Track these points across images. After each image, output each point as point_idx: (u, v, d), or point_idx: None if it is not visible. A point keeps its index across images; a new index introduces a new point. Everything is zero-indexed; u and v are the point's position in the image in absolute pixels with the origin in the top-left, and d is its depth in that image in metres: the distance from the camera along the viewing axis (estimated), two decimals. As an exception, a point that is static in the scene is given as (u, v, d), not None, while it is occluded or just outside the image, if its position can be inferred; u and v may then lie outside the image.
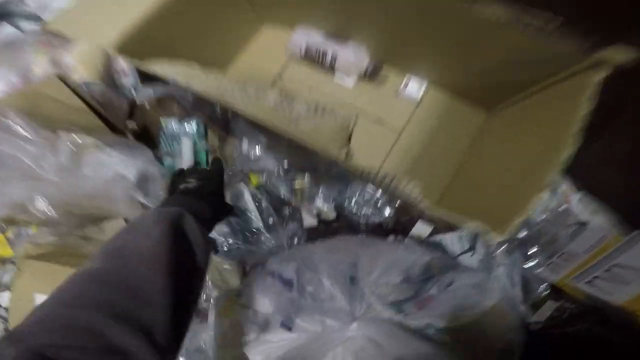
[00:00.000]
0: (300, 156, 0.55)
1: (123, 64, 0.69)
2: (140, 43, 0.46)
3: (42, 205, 0.49)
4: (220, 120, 0.71)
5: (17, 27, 0.65)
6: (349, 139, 0.31)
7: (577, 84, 0.37)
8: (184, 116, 0.71)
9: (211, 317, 0.52)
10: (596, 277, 0.43)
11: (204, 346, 0.52)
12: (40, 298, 0.52)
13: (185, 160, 0.66)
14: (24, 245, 0.54)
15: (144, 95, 0.71)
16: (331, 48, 0.57)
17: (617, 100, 0.38)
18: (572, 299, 0.51)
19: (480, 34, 0.42)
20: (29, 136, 0.46)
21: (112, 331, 0.21)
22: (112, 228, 0.55)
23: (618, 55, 0.33)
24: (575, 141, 0.33)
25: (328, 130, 0.32)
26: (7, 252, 0.56)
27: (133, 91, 0.72)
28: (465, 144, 0.57)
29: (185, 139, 0.68)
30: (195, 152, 0.70)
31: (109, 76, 0.67)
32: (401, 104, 0.59)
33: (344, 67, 0.57)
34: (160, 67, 0.39)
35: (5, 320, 0.62)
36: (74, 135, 0.48)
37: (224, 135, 0.71)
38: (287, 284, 0.48)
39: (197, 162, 0.67)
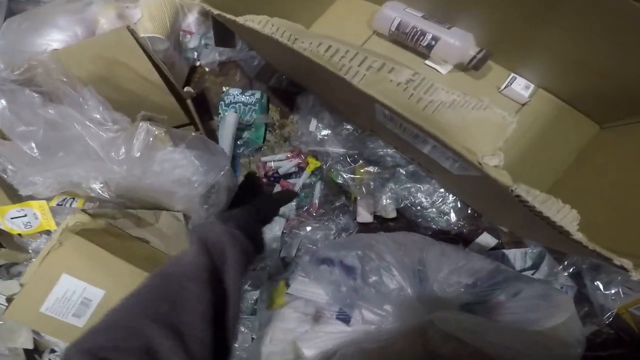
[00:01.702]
0: (403, 148, 0.51)
1: (191, 22, 0.65)
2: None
3: (97, 186, 0.48)
4: (284, 93, 0.66)
5: None
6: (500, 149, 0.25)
7: None
8: (246, 86, 0.67)
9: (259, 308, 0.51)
10: None
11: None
12: (66, 281, 0.48)
13: (225, 141, 0.62)
14: (69, 217, 0.50)
15: (208, 58, 0.67)
16: (432, 29, 0.51)
17: None
18: (617, 326, 0.53)
19: (614, 36, 0.35)
20: (101, 120, 0.42)
21: (153, 333, 0.25)
22: (166, 219, 0.52)
23: None
24: None
25: (479, 127, 0.25)
26: (51, 225, 0.54)
27: (195, 54, 0.68)
28: (572, 157, 0.50)
29: (230, 114, 0.63)
30: (255, 126, 0.65)
31: (175, 34, 0.64)
32: (502, 102, 0.52)
33: (444, 52, 0.51)
34: (254, 21, 0.33)
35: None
36: (151, 126, 0.43)
37: (285, 111, 0.66)
38: (350, 272, 0.45)
39: (246, 141, 0.65)
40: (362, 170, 0.58)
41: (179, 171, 0.45)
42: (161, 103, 0.53)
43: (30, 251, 0.60)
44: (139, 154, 0.42)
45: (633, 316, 0.52)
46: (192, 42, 0.67)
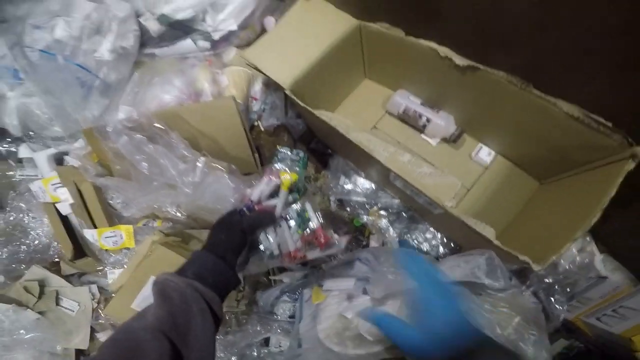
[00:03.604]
0: (404, 199, 0.74)
1: (257, 91, 0.93)
2: (298, 84, 0.69)
3: (173, 209, 0.71)
4: (320, 154, 0.94)
5: (194, 42, 0.87)
6: (458, 197, 0.50)
7: (613, 170, 0.54)
8: (291, 146, 0.94)
9: (303, 306, 0.71)
10: (605, 314, 0.62)
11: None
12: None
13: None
14: (154, 233, 0.72)
15: (266, 121, 0.94)
16: (427, 113, 0.78)
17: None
18: (581, 335, 0.68)
19: (547, 122, 0.59)
20: (185, 154, 0.64)
21: (146, 340, 0.34)
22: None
23: None
24: (601, 211, 0.50)
25: (443, 187, 0.51)
26: (131, 244, 0.74)
27: (255, 115, 0.95)
28: (519, 206, 0.75)
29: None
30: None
31: (247, 98, 0.91)
32: (473, 166, 0.79)
33: (433, 129, 0.78)
34: (325, 115, 0.61)
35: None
36: (207, 159, 0.66)
37: (319, 168, 0.94)
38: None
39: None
40: (376, 214, 0.83)
41: (221, 191, 0.64)
42: (240, 155, 0.78)
43: (106, 263, 0.78)
44: (199, 179, 0.64)
45: (585, 323, 0.68)
46: (255, 106, 0.93)
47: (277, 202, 0.56)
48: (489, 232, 0.50)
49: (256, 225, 0.53)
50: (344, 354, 0.58)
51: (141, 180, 0.62)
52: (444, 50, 0.61)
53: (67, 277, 0.81)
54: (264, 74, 0.70)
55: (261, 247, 0.56)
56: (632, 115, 0.51)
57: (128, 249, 0.76)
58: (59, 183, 0.78)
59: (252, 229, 0.52)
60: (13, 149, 0.88)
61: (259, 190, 0.57)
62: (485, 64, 0.59)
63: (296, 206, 0.57)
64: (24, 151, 0.86)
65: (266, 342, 0.81)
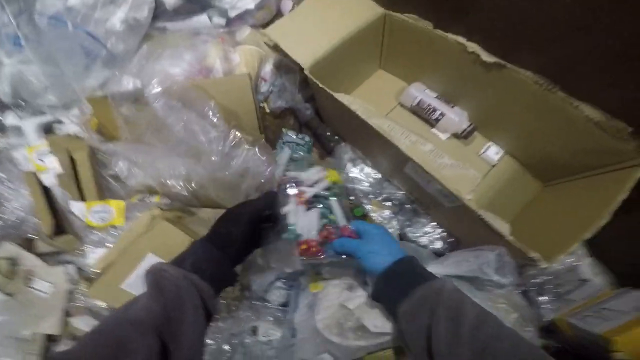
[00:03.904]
0: (412, 190, 0.75)
1: (267, 72, 0.91)
2: (317, 66, 0.69)
3: (180, 182, 0.69)
4: (325, 140, 0.93)
5: (210, 19, 0.85)
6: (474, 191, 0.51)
7: (623, 175, 0.55)
8: (297, 130, 0.92)
9: (299, 295, 0.70)
10: (587, 315, 0.64)
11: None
12: (150, 259, 0.61)
13: (280, 165, 0.85)
14: (151, 209, 0.68)
15: (273, 103, 0.92)
16: (441, 107, 0.79)
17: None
18: (560, 335, 0.71)
19: (566, 125, 0.60)
20: (217, 124, 0.64)
21: (134, 336, 0.32)
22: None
23: None
24: (607, 218, 0.52)
25: (464, 180, 0.52)
26: (120, 221, 0.70)
27: (262, 97, 0.93)
28: (521, 205, 0.77)
29: (285, 149, 0.88)
30: (300, 162, 0.89)
31: (257, 78, 0.89)
32: (480, 163, 0.80)
33: (446, 124, 0.79)
34: (345, 99, 0.60)
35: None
36: (237, 133, 0.65)
37: (324, 154, 0.92)
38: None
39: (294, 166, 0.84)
40: (378, 204, 0.83)
41: (247, 165, 0.64)
42: (250, 125, 0.77)
43: (87, 242, 0.73)
44: (228, 149, 0.64)
45: (567, 323, 0.70)
46: (263, 87, 0.92)
47: (312, 190, 0.59)
48: (504, 228, 0.51)
49: (266, 210, 0.53)
50: (345, 345, 0.57)
51: (163, 146, 0.61)
52: (471, 46, 0.61)
53: (42, 256, 0.75)
54: (284, 53, 0.68)
55: (288, 223, 0.55)
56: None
57: (115, 227, 0.71)
58: (47, 152, 0.74)
59: (261, 216, 0.52)
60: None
61: (310, 174, 0.61)
62: (511, 62, 0.60)
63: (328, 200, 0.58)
64: (10, 119, 0.83)
65: (253, 331, 0.79)
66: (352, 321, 0.58)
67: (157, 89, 0.64)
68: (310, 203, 0.57)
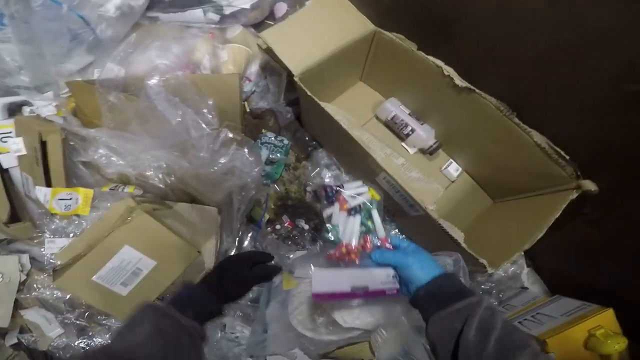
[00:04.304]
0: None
1: (252, 72, 0.94)
2: (306, 74, 0.73)
3: (159, 174, 0.68)
4: (303, 144, 0.98)
5: (205, 13, 0.86)
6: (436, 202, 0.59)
7: (559, 197, 0.65)
8: (275, 131, 0.96)
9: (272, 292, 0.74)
10: (526, 319, 0.74)
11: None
12: (125, 252, 0.60)
13: None
14: (126, 200, 0.65)
15: (255, 103, 0.95)
16: (412, 123, 0.86)
17: (569, 213, 0.66)
18: None
19: (517, 149, 0.69)
20: (211, 121, 0.65)
21: None
22: (198, 211, 0.71)
23: (590, 185, 0.61)
24: (547, 227, 0.63)
25: (428, 192, 0.59)
26: (85, 211, 0.68)
27: (244, 96, 0.96)
28: (474, 218, 0.88)
29: (263, 149, 0.92)
30: (277, 164, 0.94)
31: (242, 77, 0.92)
32: (441, 178, 0.89)
33: (415, 139, 0.87)
34: (330, 109, 0.65)
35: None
36: (229, 132, 0.67)
37: (301, 158, 0.98)
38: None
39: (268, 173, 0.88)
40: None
41: (234, 164, 0.66)
42: (233, 123, 0.76)
43: (45, 230, 0.70)
44: (217, 147, 0.65)
45: None
46: (247, 87, 0.95)
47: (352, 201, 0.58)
48: (459, 236, 0.59)
49: (264, 278, 0.56)
50: (317, 339, 0.61)
51: (149, 138, 0.61)
52: (448, 69, 0.69)
53: None
54: (277, 58, 0.72)
55: (332, 223, 0.57)
56: (586, 155, 0.63)
57: (79, 216, 0.69)
58: (9, 133, 0.71)
59: (259, 280, 0.55)
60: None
61: (352, 187, 0.60)
62: (480, 88, 0.68)
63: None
64: None
65: (223, 327, 0.81)
66: (324, 317, 0.62)
67: (155, 81, 0.64)
68: (351, 212, 0.57)
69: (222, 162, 0.65)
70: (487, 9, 0.62)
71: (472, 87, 0.69)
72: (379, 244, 0.55)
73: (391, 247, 0.54)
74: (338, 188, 0.58)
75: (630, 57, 0.49)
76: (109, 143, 0.67)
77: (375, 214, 0.58)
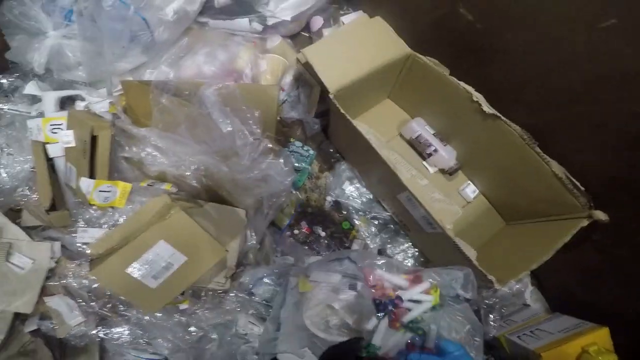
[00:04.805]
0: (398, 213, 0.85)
1: (286, 82, 1.01)
2: (340, 93, 0.79)
3: (195, 174, 0.72)
4: (326, 156, 1.04)
5: (250, 22, 0.92)
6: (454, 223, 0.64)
7: (569, 224, 0.70)
8: (302, 141, 1.02)
9: (287, 293, 0.77)
10: (524, 334, 0.77)
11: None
12: (160, 246, 0.63)
13: None
14: (163, 197, 0.68)
15: (286, 112, 1.01)
16: (436, 144, 0.92)
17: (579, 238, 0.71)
18: (499, 350, 0.84)
19: (535, 176, 0.74)
20: (255, 132, 0.70)
21: None
22: (227, 212, 0.75)
23: (601, 215, 0.66)
24: (550, 255, 0.67)
25: (447, 213, 0.64)
26: (121, 203, 0.70)
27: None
28: (487, 238, 0.92)
29: (290, 158, 0.94)
30: (301, 172, 0.99)
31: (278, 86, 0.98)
32: (458, 198, 0.94)
33: (436, 159, 0.92)
34: (362, 127, 0.71)
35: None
36: (269, 143, 0.71)
37: (324, 169, 1.04)
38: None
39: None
40: (366, 221, 0.96)
41: (270, 172, 0.71)
42: (270, 132, 0.81)
43: (79, 220, 0.72)
44: (257, 155, 0.69)
45: (506, 340, 0.82)
46: (280, 96, 1.01)
47: (412, 314, 0.60)
48: (472, 254, 0.64)
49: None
50: (330, 340, 0.65)
51: (195, 142, 0.68)
52: (477, 96, 0.74)
53: (27, 229, 0.72)
54: (316, 75, 0.78)
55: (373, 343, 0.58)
56: (601, 187, 0.68)
57: (113, 208, 0.72)
58: (60, 125, 0.76)
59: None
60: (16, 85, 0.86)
61: (414, 291, 0.61)
62: (506, 115, 0.73)
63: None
64: (31, 88, 0.84)
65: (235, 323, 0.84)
66: (336, 319, 0.65)
67: (212, 91, 0.69)
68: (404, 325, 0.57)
69: (259, 169, 0.70)
70: (527, 42, 0.66)
71: (498, 114, 0.74)
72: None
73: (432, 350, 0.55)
74: (397, 296, 0.58)
75: None
76: (157, 142, 0.73)
77: (432, 328, 0.58)
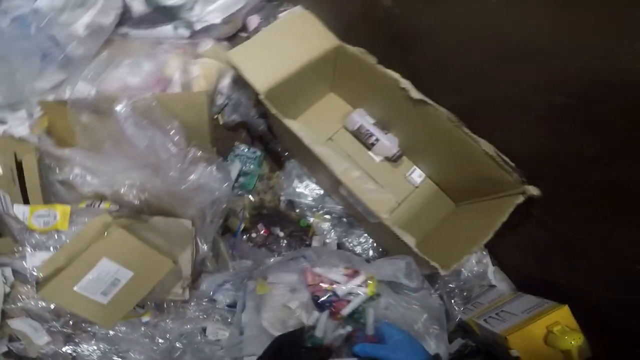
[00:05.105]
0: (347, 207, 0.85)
1: (224, 86, 0.99)
2: (272, 91, 0.77)
3: (133, 192, 0.72)
4: (276, 156, 1.02)
5: (175, 29, 0.89)
6: (391, 211, 0.64)
7: (508, 202, 0.71)
8: (248, 143, 1.01)
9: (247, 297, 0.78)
10: (490, 317, 0.78)
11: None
12: (104, 264, 0.64)
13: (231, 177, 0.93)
14: (103, 216, 0.68)
15: (227, 116, 0.99)
16: (377, 133, 0.92)
17: (523, 216, 0.73)
18: (473, 334, 0.86)
19: (469, 157, 0.75)
20: (178, 142, 0.70)
21: None
22: (173, 224, 0.76)
23: (533, 190, 0.67)
24: (494, 233, 0.68)
25: (382, 202, 0.65)
26: (64, 226, 0.70)
27: (217, 109, 1.00)
28: (438, 221, 0.94)
29: (236, 162, 0.96)
30: (250, 175, 0.99)
31: (214, 91, 0.96)
32: (405, 184, 0.95)
33: (379, 148, 0.93)
34: (294, 125, 0.70)
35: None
36: (197, 151, 0.72)
37: (274, 168, 1.03)
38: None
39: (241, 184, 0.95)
40: (320, 217, 0.96)
41: (203, 181, 0.72)
42: (202, 139, 0.82)
43: (26, 245, 0.71)
44: (185, 166, 0.71)
45: (474, 323, 0.82)
46: (219, 100, 0.99)
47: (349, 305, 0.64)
48: (410, 241, 0.65)
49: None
50: None
51: (122, 159, 0.66)
52: (404, 82, 0.74)
53: None
54: (244, 77, 0.76)
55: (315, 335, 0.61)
56: (530, 162, 0.69)
57: (58, 230, 0.72)
58: None
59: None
60: None
61: (350, 285, 0.64)
62: (434, 99, 0.74)
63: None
64: None
65: (203, 331, 0.85)
66: (293, 319, 0.66)
67: (123, 106, 0.67)
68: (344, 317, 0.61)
69: (192, 179, 0.69)
70: (437, 23, 0.66)
71: (426, 99, 0.74)
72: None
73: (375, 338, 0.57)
74: (332, 291, 0.62)
75: (552, 70, 0.54)
76: (84, 163, 0.71)
77: (369, 311, 0.61)
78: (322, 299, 0.64)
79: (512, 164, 0.71)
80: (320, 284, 0.66)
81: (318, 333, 0.61)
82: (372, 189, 0.64)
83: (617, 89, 0.48)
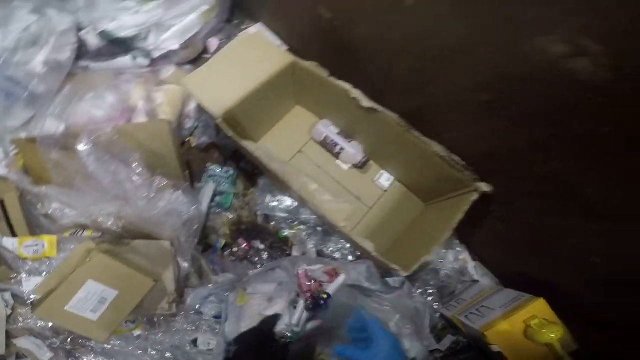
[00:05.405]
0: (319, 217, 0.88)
1: (191, 110, 1.02)
2: (230, 113, 0.80)
3: (110, 221, 0.77)
4: (248, 173, 1.06)
5: (134, 59, 0.92)
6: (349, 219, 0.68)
7: (464, 199, 0.74)
8: (221, 163, 1.04)
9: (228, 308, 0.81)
10: (471, 313, 0.78)
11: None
12: (90, 285, 0.70)
13: (204, 200, 0.97)
14: (86, 243, 0.73)
15: (198, 139, 1.03)
16: (341, 142, 0.95)
17: (482, 212, 0.77)
18: (459, 329, 0.86)
19: (423, 158, 0.78)
20: (141, 173, 0.74)
21: None
22: (154, 246, 0.80)
23: (485, 187, 0.71)
24: (452, 231, 0.71)
25: (339, 212, 0.68)
26: (52, 253, 0.77)
27: (187, 132, 1.03)
28: (408, 222, 0.96)
29: (210, 183, 1.00)
30: (225, 194, 1.02)
31: (180, 116, 1.00)
32: (375, 189, 0.98)
33: (345, 156, 0.96)
34: (250, 145, 0.73)
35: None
36: (162, 180, 0.77)
37: (248, 185, 1.06)
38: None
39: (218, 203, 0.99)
40: (296, 228, 0.99)
41: (171, 206, 0.77)
42: (171, 172, 0.85)
43: (21, 271, 0.78)
44: (153, 194, 0.75)
45: (458, 320, 0.81)
46: (188, 124, 1.02)
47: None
48: (369, 246, 0.68)
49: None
50: None
51: (93, 192, 0.70)
52: (354, 92, 0.77)
53: None
54: (199, 103, 0.79)
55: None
56: (479, 159, 0.72)
57: (49, 258, 0.78)
58: None
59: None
60: None
61: (336, 285, 0.67)
62: (386, 105, 0.77)
63: None
64: None
65: (194, 342, 0.88)
66: None
67: (84, 144, 0.71)
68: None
69: (161, 206, 0.73)
70: (371, 31, 0.69)
71: (376, 106, 0.77)
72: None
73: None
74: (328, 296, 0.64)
75: (472, 69, 0.57)
76: (59, 198, 0.75)
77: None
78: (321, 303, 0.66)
79: (462, 163, 0.73)
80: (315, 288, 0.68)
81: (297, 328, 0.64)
82: (329, 200, 0.67)
83: (526, 81, 0.51)
